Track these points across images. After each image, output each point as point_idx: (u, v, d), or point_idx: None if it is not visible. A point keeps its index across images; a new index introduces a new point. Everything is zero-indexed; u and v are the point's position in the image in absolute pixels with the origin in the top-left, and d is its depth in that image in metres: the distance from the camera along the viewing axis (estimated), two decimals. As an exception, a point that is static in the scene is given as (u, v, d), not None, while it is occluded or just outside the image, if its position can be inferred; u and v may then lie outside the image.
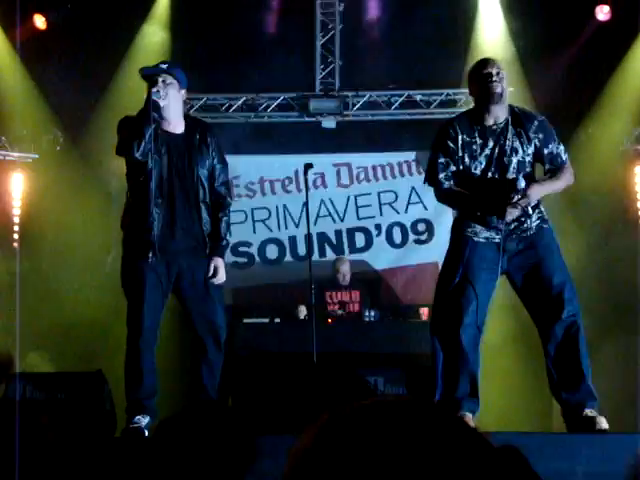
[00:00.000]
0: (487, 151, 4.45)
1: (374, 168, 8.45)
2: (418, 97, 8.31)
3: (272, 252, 8.34)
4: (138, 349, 4.55)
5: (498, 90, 4.37)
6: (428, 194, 8.36)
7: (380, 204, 8.42)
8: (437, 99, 8.27)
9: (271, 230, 8.37)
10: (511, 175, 4.41)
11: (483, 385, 4.61)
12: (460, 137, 4.46)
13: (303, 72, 8.15)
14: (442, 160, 4.49)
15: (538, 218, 4.48)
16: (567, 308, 4.36)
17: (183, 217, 4.64)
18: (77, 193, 7.72)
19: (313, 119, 8.34)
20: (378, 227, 8.39)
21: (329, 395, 4.69)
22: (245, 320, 7.18)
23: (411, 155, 8.42)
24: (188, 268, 4.66)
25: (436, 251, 8.20)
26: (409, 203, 8.39)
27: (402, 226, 8.38)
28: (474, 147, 4.46)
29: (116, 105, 7.31)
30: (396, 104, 8.33)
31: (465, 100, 7.79)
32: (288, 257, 8.32)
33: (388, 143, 8.37)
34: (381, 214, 8.41)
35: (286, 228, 8.35)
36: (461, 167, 4.49)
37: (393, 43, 8.06)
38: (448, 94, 8.22)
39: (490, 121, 4.46)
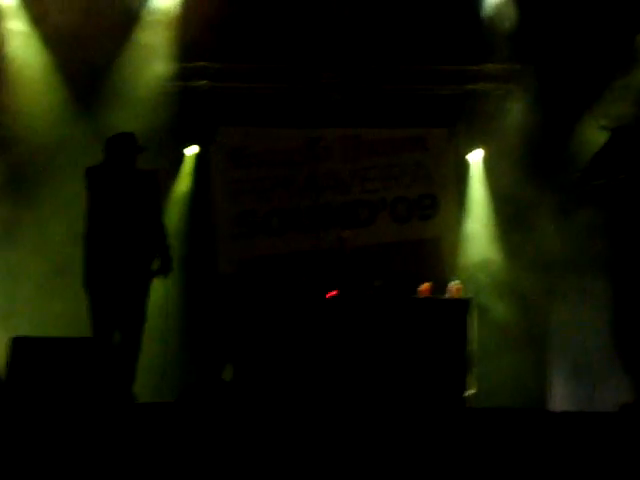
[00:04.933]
0: None
1: (381, 142, 8.43)
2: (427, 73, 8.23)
3: (275, 223, 8.35)
4: None
5: None
6: (434, 169, 8.41)
7: (385, 178, 8.41)
8: (447, 76, 8.19)
9: (275, 201, 8.37)
10: None
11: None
12: None
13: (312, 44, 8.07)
14: None
15: None
16: None
17: None
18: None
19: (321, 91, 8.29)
20: (383, 201, 8.38)
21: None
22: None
23: (418, 131, 8.40)
24: None
25: (440, 226, 8.25)
26: (415, 178, 8.39)
27: (407, 201, 8.37)
28: None
29: None
30: (404, 79, 8.25)
31: (475, 76, 7.72)
32: (291, 228, 8.32)
33: (396, 118, 8.32)
34: (386, 188, 8.40)
35: (290, 200, 8.34)
36: None
37: (402, 17, 7.96)
38: (458, 71, 8.13)
39: None
